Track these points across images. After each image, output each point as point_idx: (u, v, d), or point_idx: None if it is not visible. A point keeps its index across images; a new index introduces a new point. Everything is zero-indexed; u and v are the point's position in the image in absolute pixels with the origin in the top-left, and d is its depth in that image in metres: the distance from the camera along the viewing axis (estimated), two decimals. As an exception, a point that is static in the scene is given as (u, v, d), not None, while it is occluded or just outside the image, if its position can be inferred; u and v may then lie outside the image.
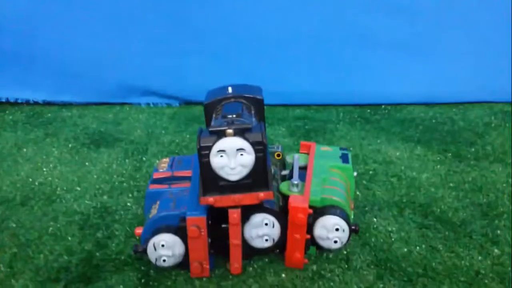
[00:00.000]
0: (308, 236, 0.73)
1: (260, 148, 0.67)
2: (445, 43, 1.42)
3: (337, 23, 1.40)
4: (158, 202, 0.76)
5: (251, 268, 0.76)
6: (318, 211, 0.74)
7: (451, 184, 1.00)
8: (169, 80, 1.44)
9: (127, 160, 1.11)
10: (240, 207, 0.70)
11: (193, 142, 1.19)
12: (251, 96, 0.82)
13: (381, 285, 0.71)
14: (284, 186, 0.78)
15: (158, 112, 1.41)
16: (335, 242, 0.74)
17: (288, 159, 0.88)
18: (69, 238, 0.82)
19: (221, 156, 0.67)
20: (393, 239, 0.82)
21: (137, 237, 0.76)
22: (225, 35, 1.40)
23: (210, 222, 0.72)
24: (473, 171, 1.05)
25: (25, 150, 1.16)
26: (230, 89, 0.82)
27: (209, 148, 0.67)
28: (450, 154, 1.13)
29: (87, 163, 1.09)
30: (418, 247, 0.80)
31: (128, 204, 0.93)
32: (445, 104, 1.45)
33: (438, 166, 1.07)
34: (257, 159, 0.67)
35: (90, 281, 0.73)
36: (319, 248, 0.76)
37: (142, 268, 0.75)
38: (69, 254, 0.78)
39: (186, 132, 1.27)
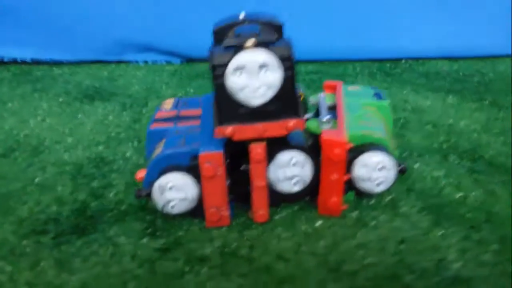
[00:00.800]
0: (348, 176, 0.61)
1: (289, 65, 0.54)
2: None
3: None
4: (163, 141, 0.63)
5: (277, 216, 0.63)
6: (356, 149, 0.61)
7: (495, 131, 0.87)
8: (169, 35, 1.32)
9: (124, 113, 0.98)
10: (265, 140, 0.57)
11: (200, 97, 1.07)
12: (268, 21, 0.69)
13: (440, 232, 0.59)
14: (312, 124, 0.65)
15: (157, 70, 1.29)
16: (378, 184, 0.61)
17: (312, 99, 0.75)
18: (59, 188, 0.69)
19: (240, 74, 0.54)
20: (442, 184, 0.69)
21: (140, 185, 0.63)
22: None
23: (228, 161, 0.59)
24: (518, 118, 0.93)
25: (10, 104, 1.03)
26: (242, 15, 0.69)
27: (225, 66, 0.54)
28: (487, 102, 1.01)
29: (79, 116, 0.96)
30: (473, 192, 0.67)
31: (128, 154, 0.80)
32: (470, 58, 1.33)
33: (477, 114, 0.95)
34: (285, 78, 0.55)
35: (84, 232, 0.60)
36: (358, 193, 0.64)
37: (147, 217, 0.62)
38: (59, 204, 0.66)
39: (190, 87, 1.15)
